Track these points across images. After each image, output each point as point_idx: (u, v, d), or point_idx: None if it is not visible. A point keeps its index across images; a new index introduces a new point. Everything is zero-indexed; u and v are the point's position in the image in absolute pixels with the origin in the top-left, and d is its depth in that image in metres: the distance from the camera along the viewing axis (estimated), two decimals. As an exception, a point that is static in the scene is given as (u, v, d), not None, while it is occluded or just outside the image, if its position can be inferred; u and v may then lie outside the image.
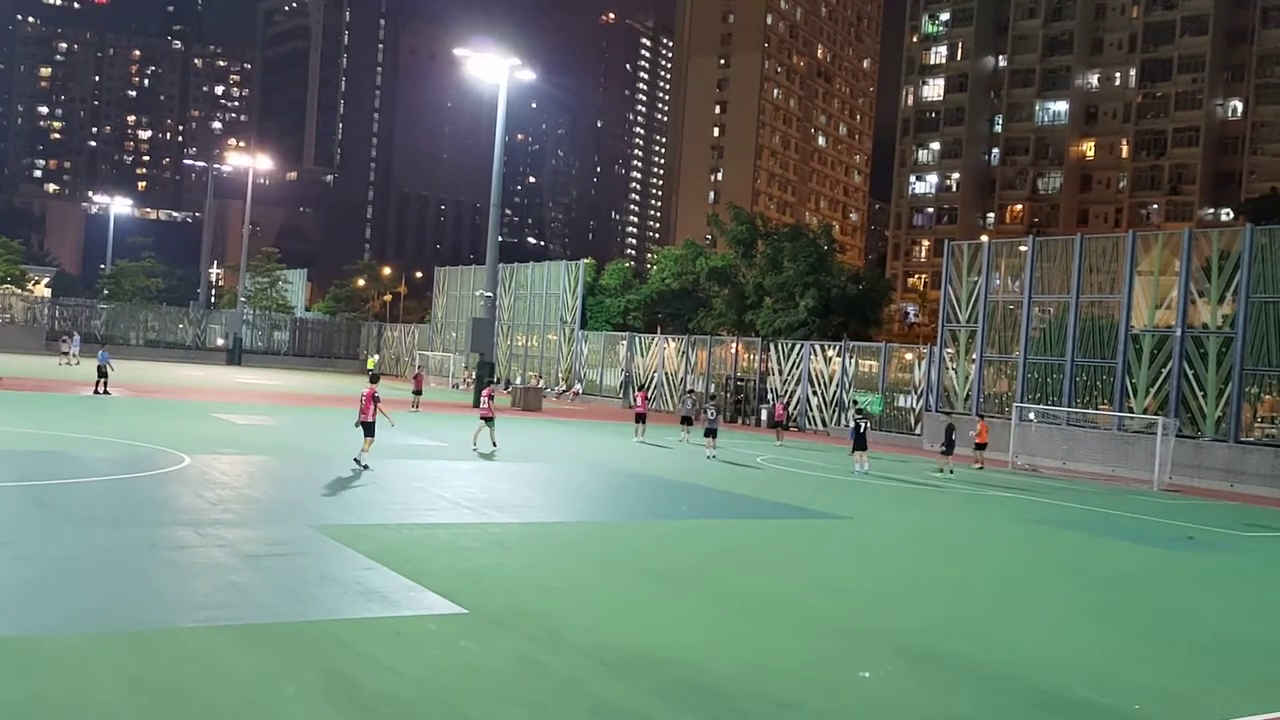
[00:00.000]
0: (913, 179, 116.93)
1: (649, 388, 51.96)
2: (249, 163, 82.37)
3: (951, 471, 29.08)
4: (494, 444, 25.47)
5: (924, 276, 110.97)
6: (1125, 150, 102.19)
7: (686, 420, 35.30)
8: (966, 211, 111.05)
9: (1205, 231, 39.69)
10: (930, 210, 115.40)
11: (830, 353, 47.70)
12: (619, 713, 7.17)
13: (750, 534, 16.27)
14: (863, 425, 28.62)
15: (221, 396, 39.21)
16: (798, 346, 49.09)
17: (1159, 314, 35.71)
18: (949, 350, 42.06)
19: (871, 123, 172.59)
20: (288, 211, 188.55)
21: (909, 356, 46.75)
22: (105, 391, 34.62)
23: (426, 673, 7.69)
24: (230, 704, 6.73)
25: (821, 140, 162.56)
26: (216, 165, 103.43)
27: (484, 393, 27.69)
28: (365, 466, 19.40)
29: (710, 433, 29.98)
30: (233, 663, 7.57)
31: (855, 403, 42.30)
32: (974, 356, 40.64)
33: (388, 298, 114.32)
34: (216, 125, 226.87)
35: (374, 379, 21.68)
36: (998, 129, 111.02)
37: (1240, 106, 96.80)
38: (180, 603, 9.30)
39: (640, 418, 34.15)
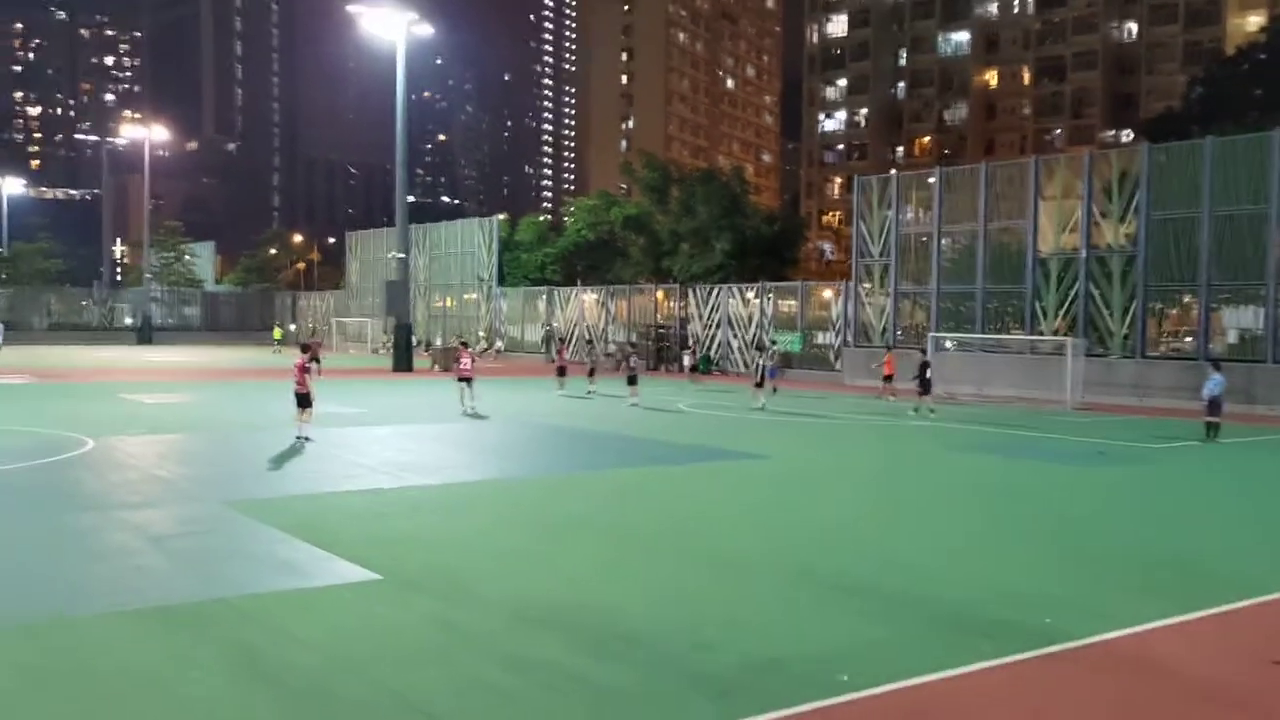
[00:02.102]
0: (822, 117, 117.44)
1: (570, 340, 51.78)
2: (145, 135, 79.71)
3: (932, 411, 27.32)
4: (472, 403, 25.68)
5: (838, 214, 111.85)
6: (1027, 77, 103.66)
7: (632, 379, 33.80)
8: (876, 146, 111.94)
9: (1105, 153, 40.44)
10: (841, 147, 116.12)
11: (748, 295, 47.90)
12: (535, 665, 7.10)
13: (668, 479, 16.29)
14: (765, 365, 30.19)
15: (130, 376, 38.18)
16: (716, 290, 49.21)
17: (1064, 237, 36.38)
18: (865, 285, 42.47)
19: (779, 62, 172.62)
20: (191, 183, 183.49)
21: (826, 294, 47.14)
22: None
23: (338, 642, 7.54)
24: (132, 689, 6.53)
25: (730, 82, 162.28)
26: (111, 139, 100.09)
27: (459, 354, 27.66)
28: (306, 438, 19.04)
29: (632, 380, 30.06)
30: (136, 648, 7.35)
31: (764, 346, 42.73)
32: (889, 290, 41.10)
33: (300, 266, 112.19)
34: (109, 98, 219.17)
35: (304, 348, 21.19)
36: (902, 62, 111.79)
37: (1135, 28, 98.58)
38: (79, 591, 9.00)
39: (562, 371, 34.13)
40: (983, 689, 6.83)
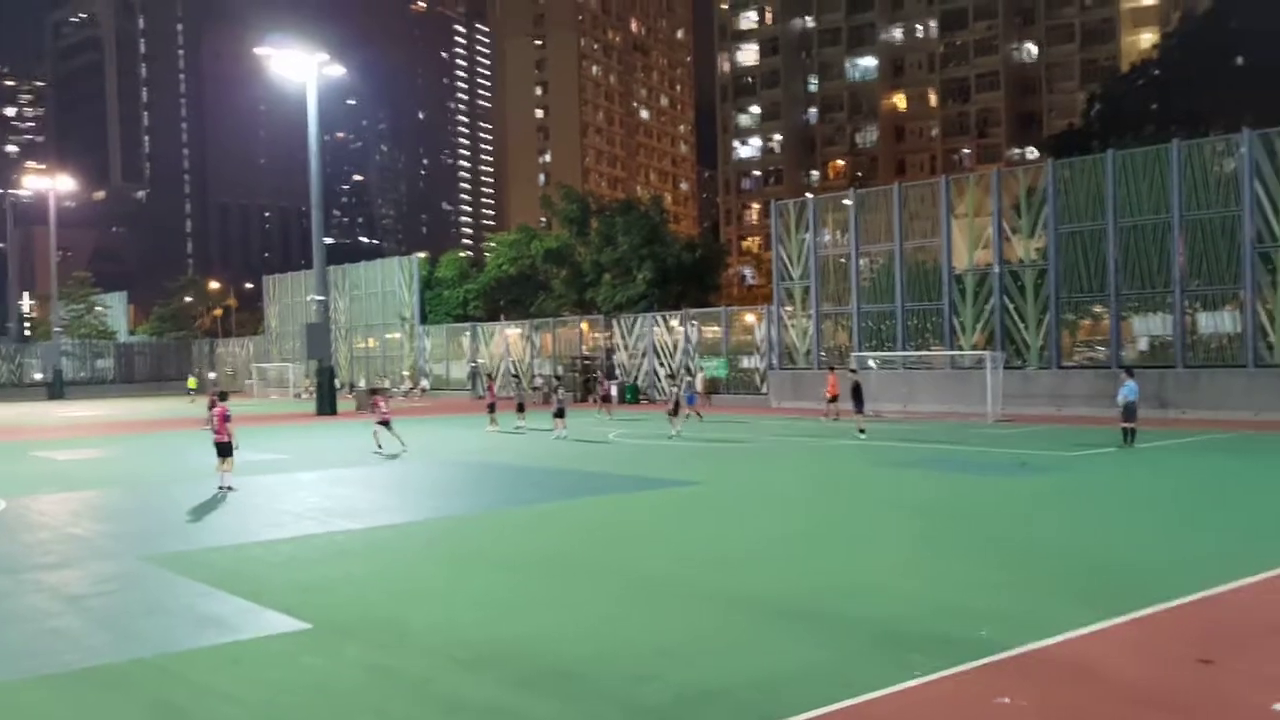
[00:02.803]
0: (737, 144, 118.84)
1: (496, 376, 51.49)
2: (50, 186, 77.73)
3: (862, 431, 27.47)
4: (399, 446, 25.67)
5: (757, 239, 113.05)
6: (933, 99, 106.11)
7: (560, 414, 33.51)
8: (791, 171, 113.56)
9: (1012, 171, 41.48)
10: (757, 173, 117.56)
11: (672, 322, 48.09)
12: (471, 707, 6.96)
13: (601, 511, 16.20)
14: (680, 392, 30.86)
15: (42, 434, 37.03)
16: (640, 319, 49.32)
17: (977, 253, 37.17)
18: (787, 308, 42.90)
19: (692, 92, 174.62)
20: (100, 233, 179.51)
21: (749, 318, 47.50)
22: None
23: (267, 696, 7.32)
24: (49, 760, 6.26)
25: (645, 113, 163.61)
26: (14, 191, 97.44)
27: (375, 400, 28.07)
28: (229, 488, 18.59)
29: (559, 414, 29.94)
30: (56, 714, 7.05)
31: (676, 375, 43.10)
32: (810, 312, 41.55)
33: (218, 313, 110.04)
34: (12, 149, 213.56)
35: (222, 396, 20.70)
36: (813, 88, 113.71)
37: (1034, 49, 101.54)
38: (-7, 658, 8.62)
39: (491, 407, 33.77)
40: (924, 704, 6.85)
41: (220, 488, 18.63)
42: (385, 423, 26.08)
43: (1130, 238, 33.16)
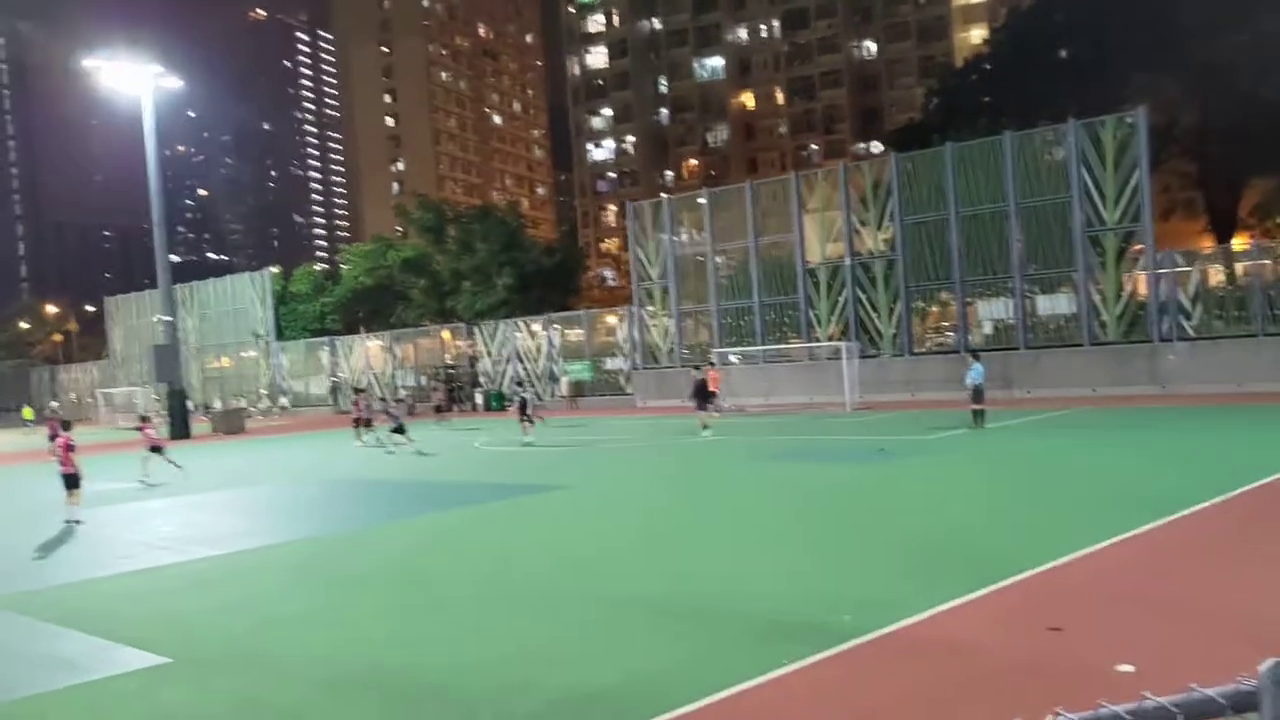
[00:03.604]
0: (591, 147, 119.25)
1: (364, 389, 50.43)
2: None
3: (706, 428, 27.43)
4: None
5: (616, 240, 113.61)
6: (780, 98, 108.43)
7: (367, 422, 33.09)
8: (646, 172, 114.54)
9: (858, 165, 42.74)
10: (612, 175, 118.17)
11: (535, 327, 47.96)
12: (344, 733, 6.83)
13: (471, 520, 16.06)
14: (525, 398, 30.35)
15: None
16: (502, 326, 49.05)
17: (830, 246, 38.18)
18: (647, 308, 43.25)
19: (544, 96, 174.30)
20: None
21: (611, 320, 47.73)
22: None
23: (126, 737, 7.03)
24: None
25: (498, 119, 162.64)
26: None
27: (141, 426, 26.38)
28: (77, 521, 17.71)
29: (399, 429, 28.99)
30: (-110, 776, 6.64)
31: (519, 383, 42.97)
32: (671, 311, 42.00)
33: (57, 338, 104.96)
34: None
35: (66, 425, 19.73)
36: (663, 89, 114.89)
37: (874, 46, 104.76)
38: None
39: (362, 423, 32.74)
40: (795, 692, 7.00)
41: (68, 521, 17.78)
42: (157, 449, 24.99)
43: (971, 226, 34.54)
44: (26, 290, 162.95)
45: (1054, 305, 34.38)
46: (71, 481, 18.09)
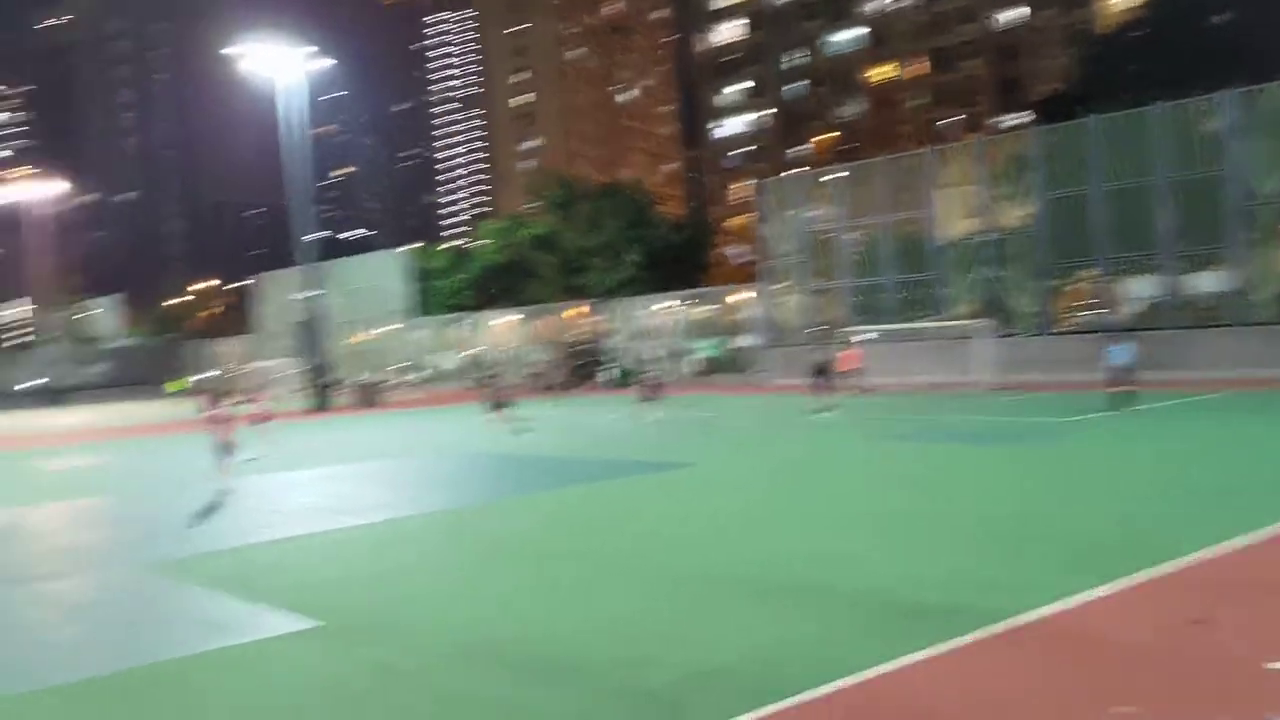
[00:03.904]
0: (720, 123, 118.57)
1: (494, 366, 51.47)
2: (39, 192, 77.56)
3: (829, 410, 26.60)
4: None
5: (745, 217, 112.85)
6: (917, 70, 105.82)
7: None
8: (776, 147, 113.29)
9: (997, 139, 41.54)
10: (742, 150, 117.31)
11: (663, 304, 48.11)
12: (480, 702, 7.02)
13: (595, 496, 16.26)
14: (651, 376, 29.93)
15: (37, 442, 37.00)
16: (629, 303, 49.35)
17: (965, 223, 37.23)
18: (777, 285, 42.95)
19: (674, 72, 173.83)
20: (89, 237, 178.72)
21: (739, 297, 47.56)
22: None
23: (274, 697, 7.38)
24: (60, 770, 6.32)
25: (627, 95, 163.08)
26: (4, 199, 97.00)
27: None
28: (228, 490, 18.51)
29: (500, 406, 29.09)
30: (62, 725, 7.12)
31: (645, 361, 42.75)
32: (800, 288, 41.62)
33: (211, 312, 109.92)
34: (5, 153, 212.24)
35: (221, 397, 20.52)
36: (796, 63, 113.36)
37: (1018, 15, 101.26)
38: (5, 670, 8.68)
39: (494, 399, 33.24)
40: (926, 676, 6.92)
41: (219, 490, 18.63)
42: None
43: (1116, 201, 33.22)
44: (183, 267, 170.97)
45: (1204, 283, 32.86)
46: (224, 451, 18.87)
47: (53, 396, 71.06)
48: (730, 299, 47.93)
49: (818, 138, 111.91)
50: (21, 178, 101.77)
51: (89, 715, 7.30)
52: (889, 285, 38.39)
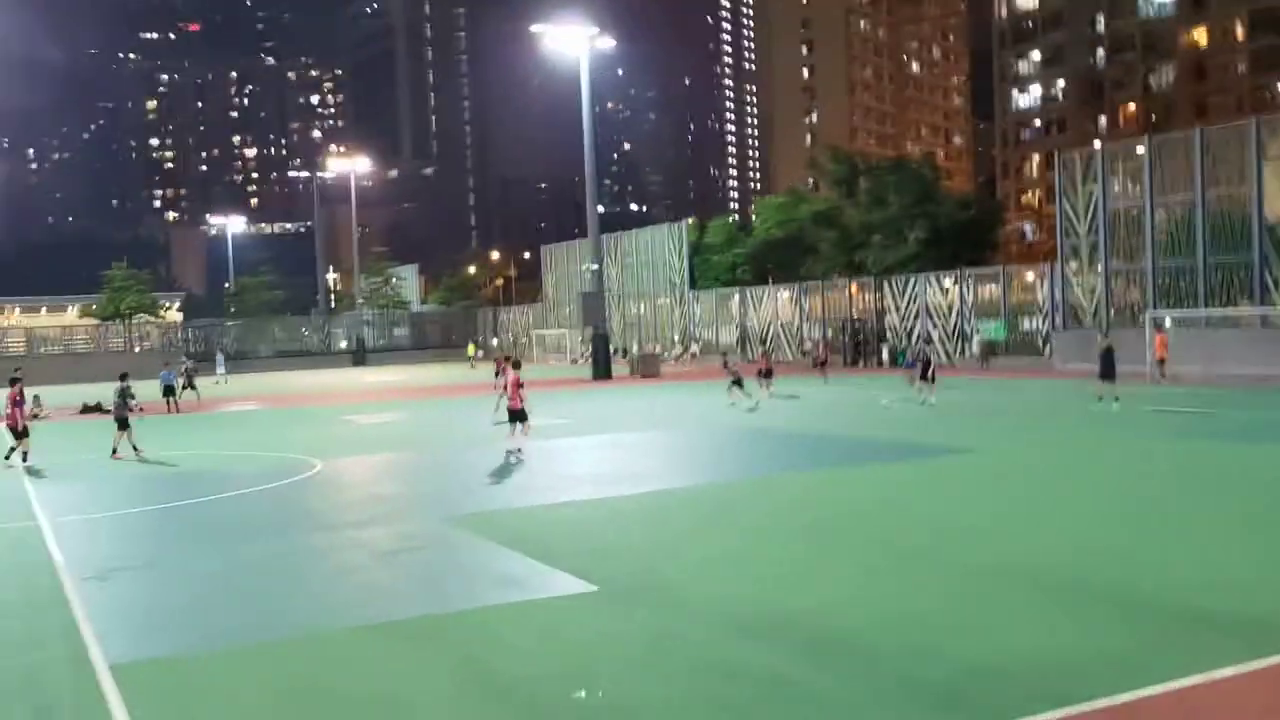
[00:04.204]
0: (1015, 93, 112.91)
1: (768, 340, 51.59)
2: (350, 167, 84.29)
3: (1116, 400, 24.48)
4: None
5: (1038, 192, 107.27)
6: (1240, 32, 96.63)
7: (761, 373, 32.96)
8: (1076, 119, 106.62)
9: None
10: (1037, 123, 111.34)
11: (946, 282, 46.52)
12: (752, 674, 7.07)
13: (877, 478, 15.95)
14: (929, 358, 28.38)
15: (348, 399, 40.29)
16: (912, 281, 48.00)
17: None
18: (1071, 265, 40.60)
19: (966, 41, 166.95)
20: (393, 209, 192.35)
21: (1030, 276, 45.30)
22: (175, 410, 34.41)
23: (561, 654, 7.72)
24: (376, 705, 6.85)
25: (915, 66, 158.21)
26: (320, 174, 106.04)
27: (503, 383, 22.17)
28: (519, 452, 19.12)
29: (738, 383, 29.17)
30: (375, 663, 7.72)
31: (925, 341, 40.99)
32: (1098, 269, 39.13)
33: (499, 282, 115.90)
34: (316, 134, 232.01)
35: (516, 364, 21.36)
36: (1100, 28, 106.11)
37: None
38: (321, 608, 9.54)
39: (765, 373, 33.33)
40: (1232, 697, 6.36)
41: (508, 451, 19.49)
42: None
43: None
44: (475, 238, 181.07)
45: None
46: (518, 416, 19.70)
47: (359, 357, 77.03)
48: (1019, 278, 45.71)
49: (1123, 108, 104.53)
50: (338, 155, 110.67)
51: (402, 654, 7.87)
52: (1201, 267, 35.41)
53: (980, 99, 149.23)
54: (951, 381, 34.33)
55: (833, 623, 8.19)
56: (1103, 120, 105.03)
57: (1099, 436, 20.12)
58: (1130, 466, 16.41)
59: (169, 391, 35.45)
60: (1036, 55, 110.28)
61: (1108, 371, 24.99)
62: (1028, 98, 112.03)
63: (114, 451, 21.75)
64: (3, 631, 9.03)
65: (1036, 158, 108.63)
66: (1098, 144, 46.20)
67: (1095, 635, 7.68)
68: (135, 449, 21.82)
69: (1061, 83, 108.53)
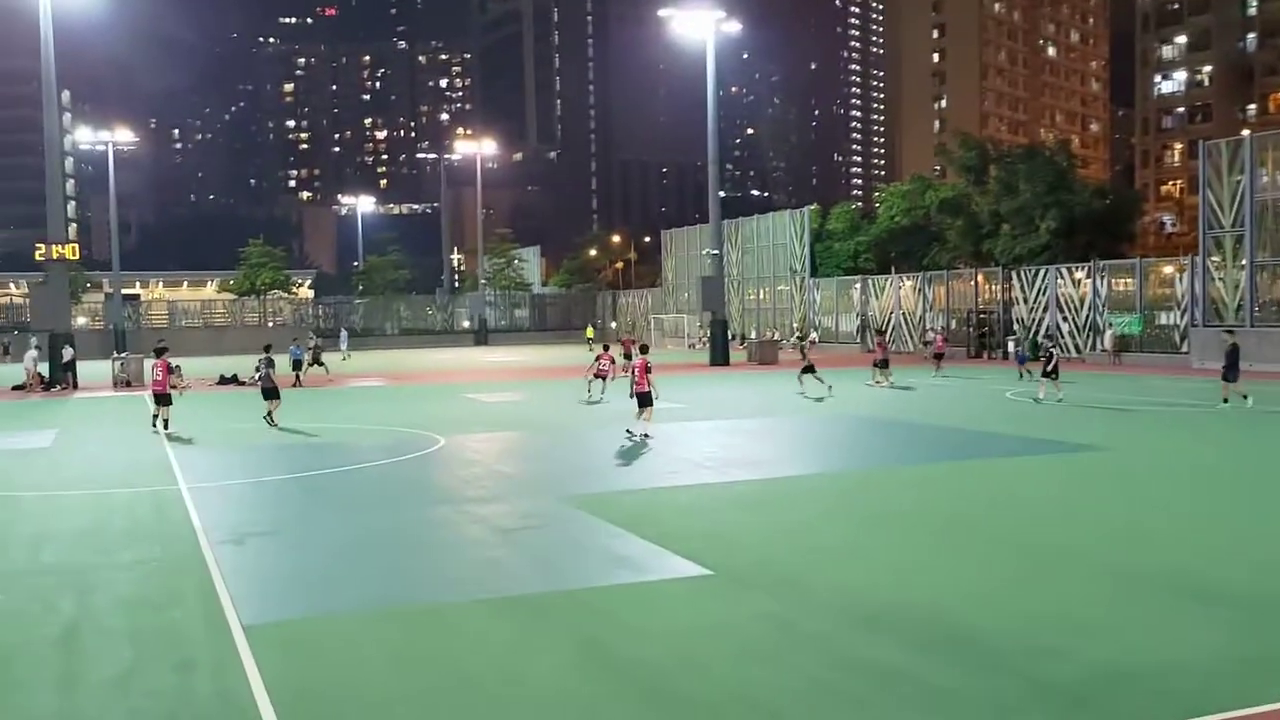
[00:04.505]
0: (1157, 79, 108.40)
1: (886, 330, 50.76)
2: (476, 150, 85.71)
3: (1245, 397, 23.54)
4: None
5: (1179, 182, 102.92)
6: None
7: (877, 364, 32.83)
8: (1222, 106, 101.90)
9: None
10: (1181, 110, 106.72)
11: (1078, 274, 45.04)
12: (869, 666, 6.99)
13: (1002, 473, 15.56)
14: (1054, 352, 27.01)
15: (471, 377, 41.06)
16: (1042, 272, 46.61)
17: None
18: (1214, 259, 38.90)
19: (1106, 24, 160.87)
20: (517, 191, 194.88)
21: (1168, 269, 43.54)
22: (298, 384, 35.08)
23: (677, 637, 7.74)
24: (492, 677, 6.99)
25: (1051, 50, 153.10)
26: (447, 156, 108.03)
27: (615, 367, 27.97)
28: (646, 435, 19.23)
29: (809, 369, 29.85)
30: (493, 635, 7.87)
31: (1048, 336, 39.23)
32: (1243, 262, 37.39)
33: (619, 265, 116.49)
34: (444, 117, 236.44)
35: (644, 349, 21.71)
36: (1251, 10, 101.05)
37: None
38: (442, 579, 9.77)
39: (881, 363, 32.87)
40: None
41: (629, 433, 19.58)
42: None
43: None
44: (595, 221, 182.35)
45: None
46: (644, 399, 19.67)
47: (481, 337, 78.43)
48: (1156, 271, 43.98)
49: (1274, 94, 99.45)
50: (464, 138, 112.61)
51: (520, 630, 8.01)
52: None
53: (1119, 84, 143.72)
54: (1081, 377, 33.30)
55: (956, 618, 8.02)
56: (1251, 107, 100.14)
57: (1237, 437, 19.26)
58: (1271, 469, 15.66)
59: (297, 365, 36.67)
60: (1182, 39, 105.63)
61: (1231, 370, 23.84)
62: (1171, 83, 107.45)
63: (270, 419, 22.71)
64: (148, 590, 9.48)
65: (1179, 146, 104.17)
66: (1245, 132, 44.08)
67: (1231, 644, 7.37)
68: (269, 418, 22.66)
69: (1208, 68, 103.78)
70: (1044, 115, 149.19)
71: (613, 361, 28.51)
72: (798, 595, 8.82)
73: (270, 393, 23.22)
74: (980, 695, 6.47)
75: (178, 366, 23.15)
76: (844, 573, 9.61)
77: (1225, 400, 23.80)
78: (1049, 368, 26.23)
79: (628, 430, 19.66)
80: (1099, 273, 43.92)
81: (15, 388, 35.74)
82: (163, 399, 22.11)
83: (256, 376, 24.31)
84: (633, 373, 20.19)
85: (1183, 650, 7.26)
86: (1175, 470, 15.76)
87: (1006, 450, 17.78)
